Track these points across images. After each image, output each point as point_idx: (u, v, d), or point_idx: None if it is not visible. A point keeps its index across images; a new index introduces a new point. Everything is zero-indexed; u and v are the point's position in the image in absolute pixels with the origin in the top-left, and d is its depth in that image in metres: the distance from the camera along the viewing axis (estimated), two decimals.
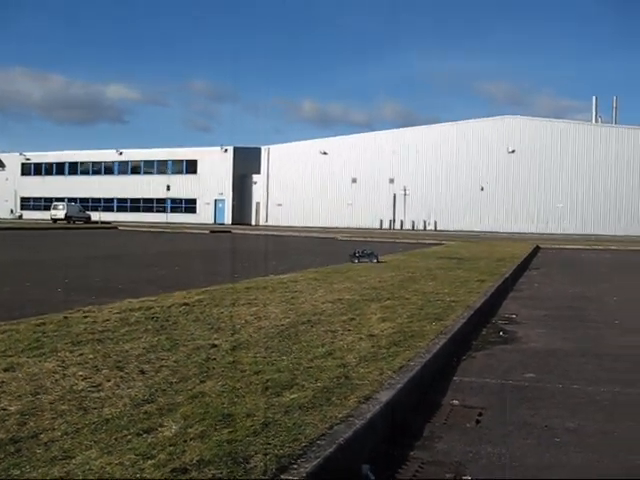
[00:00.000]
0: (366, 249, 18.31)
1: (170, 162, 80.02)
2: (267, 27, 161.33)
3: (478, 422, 4.88)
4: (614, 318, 10.15)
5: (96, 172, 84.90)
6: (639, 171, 59.85)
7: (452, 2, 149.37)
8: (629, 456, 4.17)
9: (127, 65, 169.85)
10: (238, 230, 53.71)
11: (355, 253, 17.83)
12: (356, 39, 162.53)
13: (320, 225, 66.57)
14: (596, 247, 35.00)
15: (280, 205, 73.26)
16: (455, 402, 5.36)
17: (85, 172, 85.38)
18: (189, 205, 77.87)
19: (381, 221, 67.49)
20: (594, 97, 73.28)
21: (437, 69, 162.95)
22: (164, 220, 71.70)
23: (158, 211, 77.68)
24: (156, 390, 4.64)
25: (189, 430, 3.77)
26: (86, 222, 65.82)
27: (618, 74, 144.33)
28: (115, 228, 53.90)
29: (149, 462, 3.29)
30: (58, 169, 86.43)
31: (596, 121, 70.18)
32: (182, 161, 79.06)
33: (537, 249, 31.17)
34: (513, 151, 63.31)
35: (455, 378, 6.17)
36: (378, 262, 17.26)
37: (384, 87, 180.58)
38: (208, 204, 76.52)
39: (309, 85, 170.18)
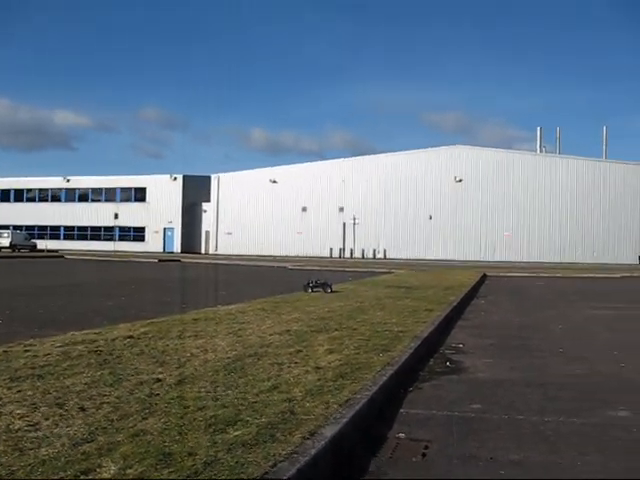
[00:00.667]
0: (319, 279, 18.29)
1: (119, 190, 79.07)
2: (218, 55, 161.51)
3: (424, 455, 4.85)
4: (559, 346, 10.27)
5: (43, 199, 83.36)
6: (582, 200, 61.25)
7: (403, 35, 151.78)
8: None
9: (76, 91, 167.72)
10: (187, 259, 53.22)
11: (309, 283, 17.79)
12: (307, 69, 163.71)
13: (270, 254, 66.39)
14: (542, 275, 35.59)
15: (230, 234, 72.90)
16: (401, 435, 5.33)
17: (31, 199, 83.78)
18: (137, 233, 76.94)
19: (331, 250, 67.63)
20: (539, 128, 75.14)
21: (387, 99, 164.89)
22: (112, 248, 70.64)
23: (106, 239, 76.54)
24: (96, 428, 4.53)
25: (128, 471, 3.67)
26: (32, 250, 64.51)
27: (562, 105, 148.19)
28: (62, 257, 52.90)
29: None
30: (3, 196, 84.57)
31: (540, 151, 71.85)
32: (131, 189, 78.20)
33: (484, 277, 31.55)
34: (460, 180, 64.24)
35: (402, 410, 6.15)
36: (332, 292, 17.23)
37: (334, 116, 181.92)
38: (157, 232, 75.72)
39: (260, 114, 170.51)
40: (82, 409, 5.04)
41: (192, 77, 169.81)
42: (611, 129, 79.37)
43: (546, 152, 71.30)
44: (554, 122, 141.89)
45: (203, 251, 73.86)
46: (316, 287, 17.58)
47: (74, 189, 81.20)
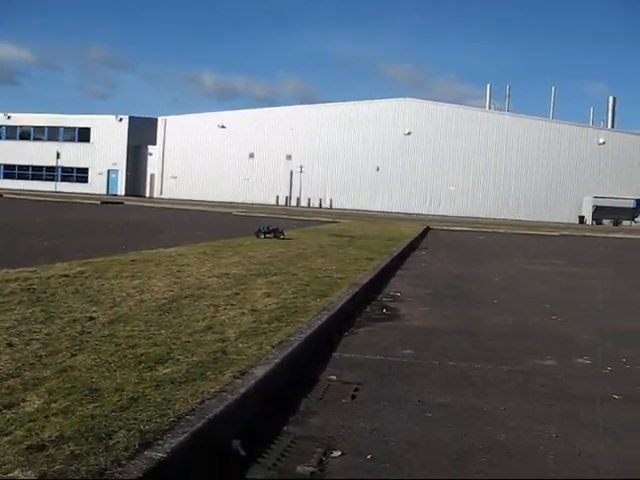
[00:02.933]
0: (271, 225, 18.17)
1: (62, 129, 76.96)
2: None
3: (354, 397, 4.92)
4: (494, 298, 10.49)
5: None
6: (527, 158, 62.09)
7: None
8: (495, 430, 4.30)
9: (18, 24, 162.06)
10: (131, 202, 52.42)
11: (260, 229, 17.69)
12: (261, 14, 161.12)
13: (216, 199, 65.80)
14: (484, 230, 36.12)
15: (175, 178, 71.91)
16: (333, 377, 5.39)
17: None
18: (81, 174, 75.25)
19: (277, 197, 67.39)
20: (488, 85, 75.47)
21: (341, 49, 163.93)
22: (54, 189, 69.12)
23: (48, 179, 74.61)
24: (23, 364, 4.46)
25: (52, 405, 3.63)
26: None
27: (513, 62, 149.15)
28: (0, 196, 51.59)
29: (5, 439, 3.15)
30: None
31: (490, 108, 72.31)
32: (75, 128, 76.16)
33: (428, 230, 31.88)
34: (409, 133, 64.37)
35: (335, 354, 6.21)
36: (283, 238, 17.18)
37: (287, 64, 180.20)
38: (101, 174, 74.19)
39: (211, 57, 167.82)
40: (10, 345, 4.95)
41: (141, 16, 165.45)
42: (559, 90, 79.98)
43: (495, 109, 71.82)
44: (505, 80, 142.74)
45: (148, 195, 72.77)
46: (268, 233, 17.48)
47: (15, 126, 78.71)
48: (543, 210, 61.43)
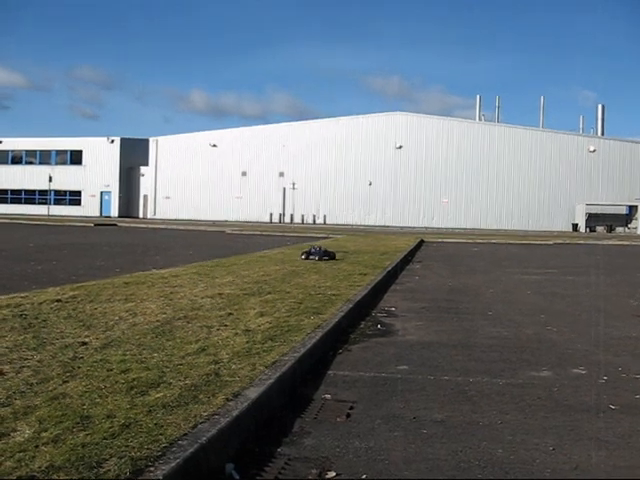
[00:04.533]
0: (321, 247, 17.46)
1: (54, 152, 77.10)
2: (155, 12, 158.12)
3: (349, 416, 4.88)
4: (488, 310, 10.48)
5: None
6: (519, 168, 62.38)
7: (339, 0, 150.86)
8: (490, 445, 4.27)
9: (6, 46, 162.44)
10: (124, 223, 52.39)
11: (310, 251, 17.15)
12: (247, 29, 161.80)
13: (209, 218, 65.89)
14: (478, 241, 36.15)
15: (168, 198, 72.02)
16: (327, 396, 5.36)
17: None
18: (73, 197, 75.28)
19: (271, 215, 67.49)
20: (478, 96, 75.91)
21: (329, 63, 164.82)
22: (47, 213, 69.05)
23: (41, 203, 74.60)
24: (14, 392, 4.42)
25: (43, 434, 3.60)
26: None
27: (502, 72, 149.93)
28: None
29: None
30: None
31: (480, 119, 72.67)
32: (66, 151, 76.31)
33: (422, 243, 31.91)
34: (400, 147, 64.64)
35: (329, 372, 6.18)
36: (331, 259, 16.69)
37: (275, 79, 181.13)
38: (94, 196, 74.24)
39: (199, 74, 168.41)
40: (1, 373, 4.92)
41: (128, 34, 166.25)
42: (548, 99, 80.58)
43: (485, 120, 72.15)
44: (494, 90, 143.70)
45: (141, 215, 72.86)
46: (313, 255, 16.84)
47: (7, 151, 78.79)
48: (536, 219, 61.66)
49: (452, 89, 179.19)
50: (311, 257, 16.55)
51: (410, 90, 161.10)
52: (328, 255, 16.77)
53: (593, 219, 59.81)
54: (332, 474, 3.77)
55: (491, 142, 63.37)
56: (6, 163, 78.77)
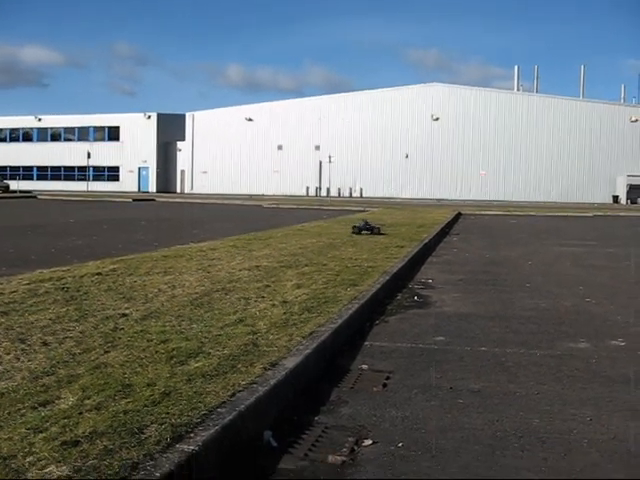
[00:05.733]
0: (369, 222, 17.43)
1: (92, 129, 77.96)
2: None
3: (385, 386, 4.92)
4: (526, 281, 10.40)
5: (14, 139, 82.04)
6: (558, 139, 61.40)
7: None
8: (527, 415, 4.28)
9: (45, 25, 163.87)
10: (162, 198, 52.85)
11: (359, 226, 17.00)
12: (283, 2, 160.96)
13: (246, 192, 66.12)
14: (516, 213, 35.80)
15: (205, 172, 72.40)
16: (364, 367, 5.39)
17: (2, 139, 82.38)
18: (112, 173, 76.15)
19: (307, 188, 67.50)
20: (516, 66, 74.57)
21: (366, 35, 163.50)
22: (86, 189, 69.91)
23: (80, 179, 75.56)
24: (57, 362, 4.53)
25: (86, 402, 3.69)
26: (4, 191, 63.48)
27: (541, 42, 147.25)
28: (34, 197, 52.30)
29: (40, 436, 3.20)
30: None
31: (518, 90, 71.50)
32: (104, 128, 77.10)
33: (459, 215, 31.70)
34: (437, 119, 63.99)
35: (366, 343, 6.21)
36: (380, 233, 16.64)
37: (313, 53, 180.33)
38: (131, 172, 74.98)
39: (236, 49, 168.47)
40: (45, 344, 5.04)
41: (165, 10, 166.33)
42: (589, 68, 79.15)
43: (523, 91, 70.98)
44: (533, 60, 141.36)
45: (179, 190, 73.41)
46: (365, 230, 16.79)
47: (46, 128, 79.90)
48: (576, 191, 60.75)
49: (491, 60, 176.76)
50: (363, 232, 16.44)
51: (449, 61, 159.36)
52: (371, 229, 16.67)
53: (634, 191, 58.61)
54: (368, 442, 3.81)
55: (529, 113, 62.40)
56: (46, 140, 79.87)
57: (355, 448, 3.73)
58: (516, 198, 59.78)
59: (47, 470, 2.82)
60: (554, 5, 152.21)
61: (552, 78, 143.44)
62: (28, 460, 2.93)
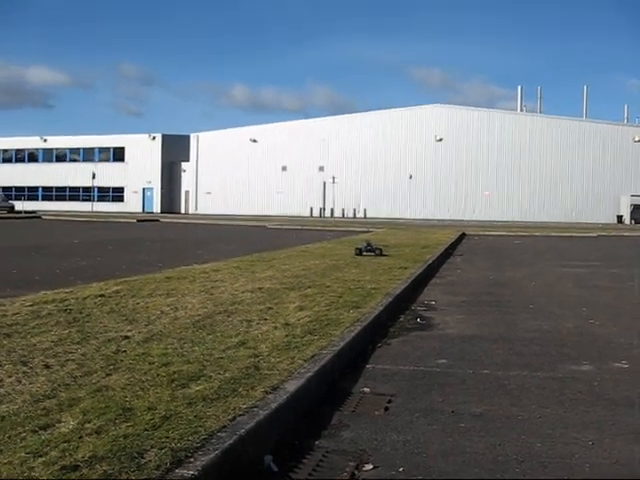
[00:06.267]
0: (372, 244, 17.40)
1: (97, 149, 78.34)
2: (197, 8, 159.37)
3: (387, 409, 4.90)
4: (530, 303, 10.39)
5: (20, 160, 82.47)
6: (562, 159, 61.47)
7: None
8: (529, 439, 4.26)
9: (51, 45, 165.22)
10: (166, 219, 52.98)
11: (361, 248, 17.01)
12: (286, 22, 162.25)
13: (250, 213, 66.22)
14: (520, 234, 35.78)
15: (209, 193, 72.59)
16: (366, 390, 5.38)
17: (8, 160, 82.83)
18: (116, 194, 76.42)
19: (311, 209, 67.58)
20: (519, 87, 74.92)
21: (369, 55, 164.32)
22: (90, 209, 70.12)
23: (84, 200, 75.83)
24: (59, 385, 4.54)
25: (87, 426, 3.69)
26: (9, 211, 63.76)
27: (544, 61, 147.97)
28: (39, 217, 52.48)
29: (39, 460, 3.20)
30: None
31: (521, 110, 71.76)
32: (109, 148, 77.51)
33: (463, 236, 31.69)
34: (441, 139, 64.17)
35: (368, 366, 6.20)
36: (383, 255, 16.59)
37: (315, 72, 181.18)
38: (136, 193, 75.22)
39: (240, 69, 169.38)
40: (46, 366, 5.04)
41: (169, 31, 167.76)
42: (592, 88, 79.40)
43: (527, 111, 71.22)
44: (536, 80, 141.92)
45: (183, 211, 73.60)
46: (368, 251, 16.81)
47: (51, 149, 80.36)
48: (580, 211, 60.75)
49: (494, 79, 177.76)
50: (367, 253, 16.43)
51: (452, 81, 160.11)
52: (373, 250, 16.65)
53: (638, 210, 58.60)
54: (369, 467, 3.80)
55: (533, 133, 62.54)
56: (51, 161, 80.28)
57: (355, 473, 3.71)
58: (520, 218, 59.76)
59: None
60: (556, 25, 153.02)
61: (555, 98, 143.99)
62: None
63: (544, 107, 75.59)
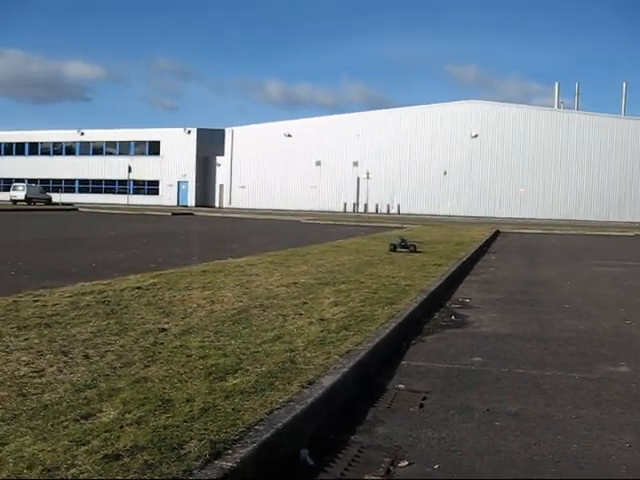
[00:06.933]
0: (406, 240, 17.51)
1: (133, 143, 79.07)
2: (233, 3, 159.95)
3: (422, 406, 4.92)
4: (565, 302, 10.30)
5: (57, 152, 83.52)
6: (599, 157, 60.66)
7: None
8: (565, 440, 4.24)
9: (88, 40, 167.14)
10: (201, 212, 53.38)
11: (396, 244, 17.08)
12: (322, 19, 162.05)
13: (284, 208, 66.41)
14: (556, 232, 35.42)
15: (244, 187, 72.91)
16: (401, 386, 5.40)
17: (46, 152, 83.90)
18: (152, 187, 77.08)
19: (345, 204, 67.50)
20: (556, 83, 74.01)
21: (405, 51, 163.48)
22: (126, 202, 70.85)
23: (120, 193, 76.64)
24: (99, 375, 4.62)
25: (127, 416, 3.76)
26: (47, 203, 64.80)
27: (581, 56, 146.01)
28: (75, 210, 53.20)
29: (82, 448, 3.27)
30: (18, 149, 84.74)
31: (558, 107, 70.90)
32: (145, 142, 78.15)
33: (497, 233, 31.49)
34: (476, 135, 63.69)
35: (403, 362, 6.21)
36: (417, 251, 16.59)
37: (351, 69, 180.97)
38: (171, 186, 75.82)
39: (275, 65, 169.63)
40: (86, 357, 5.13)
41: (205, 26, 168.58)
42: (630, 85, 78.18)
43: (564, 108, 70.33)
44: (572, 76, 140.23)
45: (217, 205, 74.03)
46: (402, 248, 16.86)
47: (88, 142, 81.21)
48: (617, 209, 59.88)
49: (530, 76, 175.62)
50: (401, 250, 16.38)
51: (487, 78, 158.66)
52: (407, 247, 16.61)
53: None
54: (404, 463, 3.82)
55: (570, 130, 61.78)
56: (87, 154, 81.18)
57: (391, 469, 3.74)
58: (556, 216, 59.11)
59: None
60: (592, 21, 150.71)
61: (593, 95, 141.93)
62: (71, 472, 3.00)
63: (581, 104, 74.59)
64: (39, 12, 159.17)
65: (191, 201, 74.11)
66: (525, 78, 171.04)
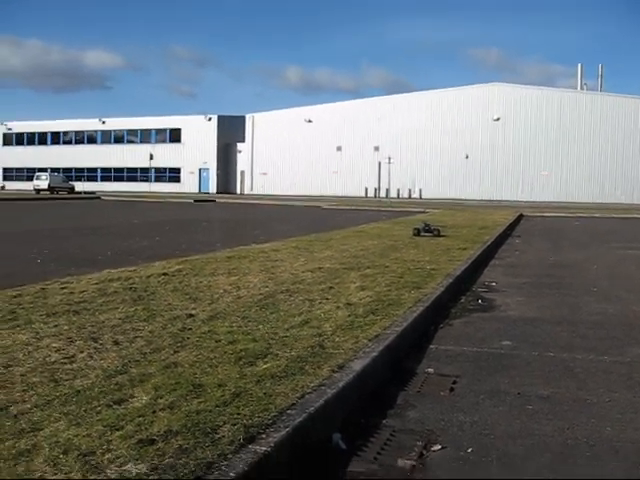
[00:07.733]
0: (430, 224, 17.22)
1: (154, 131, 79.39)
2: None
3: (452, 390, 4.90)
4: (592, 285, 10.21)
5: (79, 141, 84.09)
6: (622, 139, 59.94)
7: None
8: (599, 423, 4.20)
9: (106, 29, 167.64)
10: (222, 199, 53.46)
11: (420, 228, 16.76)
12: (340, 4, 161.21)
13: (305, 193, 66.41)
14: (580, 214, 35.11)
15: (265, 174, 72.97)
16: (430, 370, 5.37)
17: (68, 142, 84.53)
18: (173, 174, 77.42)
19: (366, 189, 67.27)
20: (579, 65, 73.13)
21: (425, 35, 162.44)
22: (148, 189, 71.20)
23: (142, 180, 77.11)
24: (129, 361, 4.63)
25: (159, 401, 3.76)
26: (69, 192, 65.30)
27: (604, 37, 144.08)
28: (98, 198, 53.55)
29: (117, 433, 3.28)
30: (40, 139, 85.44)
31: (581, 88, 70.10)
32: (166, 130, 78.45)
33: (521, 217, 31.26)
34: (498, 119, 63.18)
35: (432, 346, 6.18)
36: (441, 235, 16.39)
37: (371, 53, 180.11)
38: (192, 173, 76.09)
39: (294, 50, 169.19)
40: (116, 343, 5.15)
41: (222, 13, 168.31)
42: None
43: (587, 89, 69.52)
44: (595, 58, 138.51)
45: (238, 191, 74.18)
46: (426, 232, 16.80)
47: (109, 131, 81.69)
48: None
49: (552, 58, 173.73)
50: (424, 234, 16.28)
51: (509, 61, 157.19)
52: (431, 231, 16.51)
53: None
54: (437, 447, 3.80)
55: (593, 112, 61.05)
56: (109, 142, 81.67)
57: (424, 452, 3.72)
58: (579, 199, 58.56)
59: (126, 468, 2.89)
60: (615, 2, 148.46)
61: (616, 76, 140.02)
62: (107, 457, 3.01)
63: (605, 86, 73.64)
64: (57, 2, 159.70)
65: (212, 188, 74.32)
66: (547, 60, 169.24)
